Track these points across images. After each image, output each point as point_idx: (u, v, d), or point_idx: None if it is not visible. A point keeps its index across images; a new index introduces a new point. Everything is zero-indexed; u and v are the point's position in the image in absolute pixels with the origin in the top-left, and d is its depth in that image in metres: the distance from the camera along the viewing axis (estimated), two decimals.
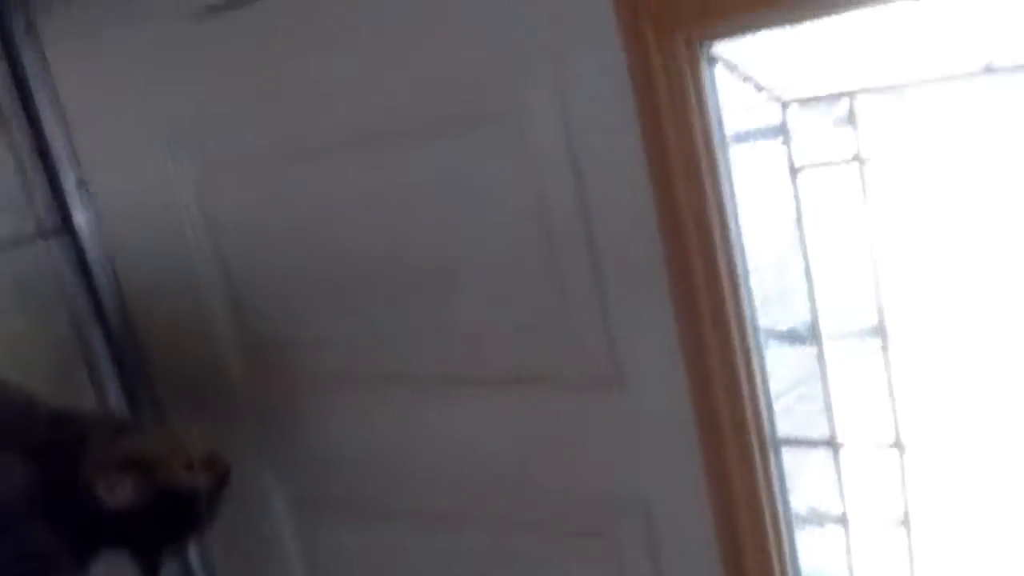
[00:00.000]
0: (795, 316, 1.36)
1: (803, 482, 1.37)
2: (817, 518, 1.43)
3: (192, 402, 1.83)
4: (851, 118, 1.17)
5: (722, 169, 1.22)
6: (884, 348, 1.28)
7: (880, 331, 1.28)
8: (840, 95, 1.16)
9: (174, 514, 1.33)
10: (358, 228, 1.51)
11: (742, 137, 1.25)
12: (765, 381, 1.31)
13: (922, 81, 1.11)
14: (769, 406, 1.32)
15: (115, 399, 1.88)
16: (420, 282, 1.47)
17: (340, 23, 1.40)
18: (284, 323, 1.68)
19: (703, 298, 1.27)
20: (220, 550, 1.95)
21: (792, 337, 1.39)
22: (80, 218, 1.84)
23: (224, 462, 1.35)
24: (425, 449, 1.57)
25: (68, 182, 1.83)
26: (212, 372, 1.78)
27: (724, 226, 1.25)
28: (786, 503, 1.34)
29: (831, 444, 1.36)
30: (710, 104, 1.19)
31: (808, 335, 1.37)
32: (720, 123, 1.21)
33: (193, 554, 1.97)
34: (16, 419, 1.51)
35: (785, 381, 1.36)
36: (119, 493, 1.29)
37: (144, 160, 1.71)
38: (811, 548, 1.37)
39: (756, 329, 1.31)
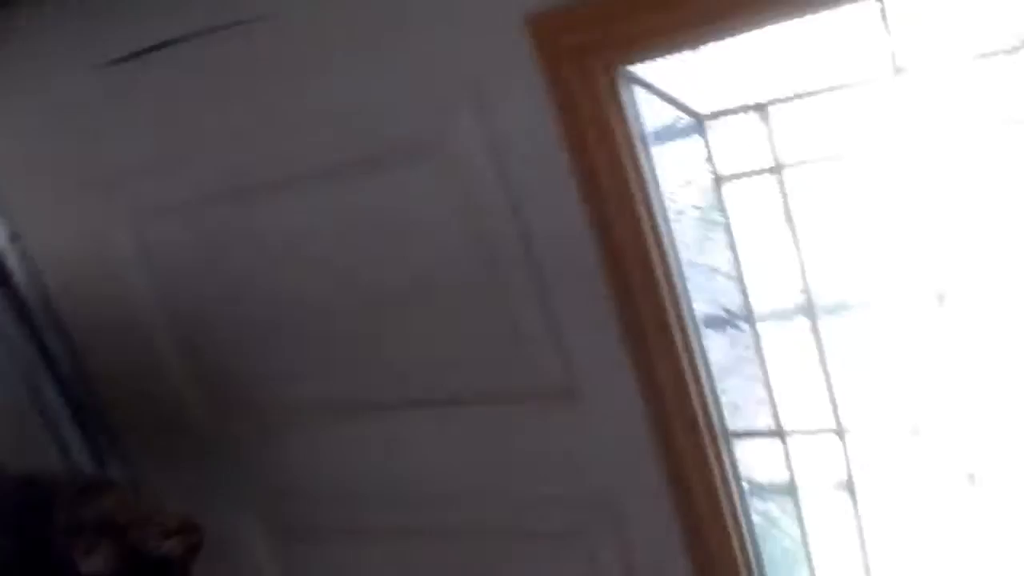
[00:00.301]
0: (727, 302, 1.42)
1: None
2: (770, 490, 1.51)
3: (155, 446, 1.85)
4: (766, 127, 1.22)
5: (649, 181, 1.27)
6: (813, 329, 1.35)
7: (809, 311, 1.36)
8: (754, 106, 1.21)
9: None
10: (301, 264, 1.52)
11: (665, 149, 1.30)
12: (710, 374, 1.38)
13: (832, 87, 1.16)
14: (716, 398, 1.39)
15: (77, 452, 1.87)
16: (370, 312, 1.49)
17: (255, 66, 1.41)
18: (239, 360, 1.69)
19: (642, 302, 1.32)
20: None
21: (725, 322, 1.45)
22: (17, 271, 1.82)
23: (197, 528, 1.36)
24: (394, 470, 1.61)
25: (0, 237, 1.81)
26: (172, 414, 1.79)
27: (656, 233, 1.30)
28: (740, 486, 1.42)
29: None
30: (631, 121, 1.24)
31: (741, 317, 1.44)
32: (643, 138, 1.25)
33: None
34: None
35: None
36: (94, 559, 1.30)
37: (77, 209, 1.70)
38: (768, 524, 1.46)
39: (696, 324, 1.37)
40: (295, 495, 1.75)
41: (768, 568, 1.45)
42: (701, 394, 1.37)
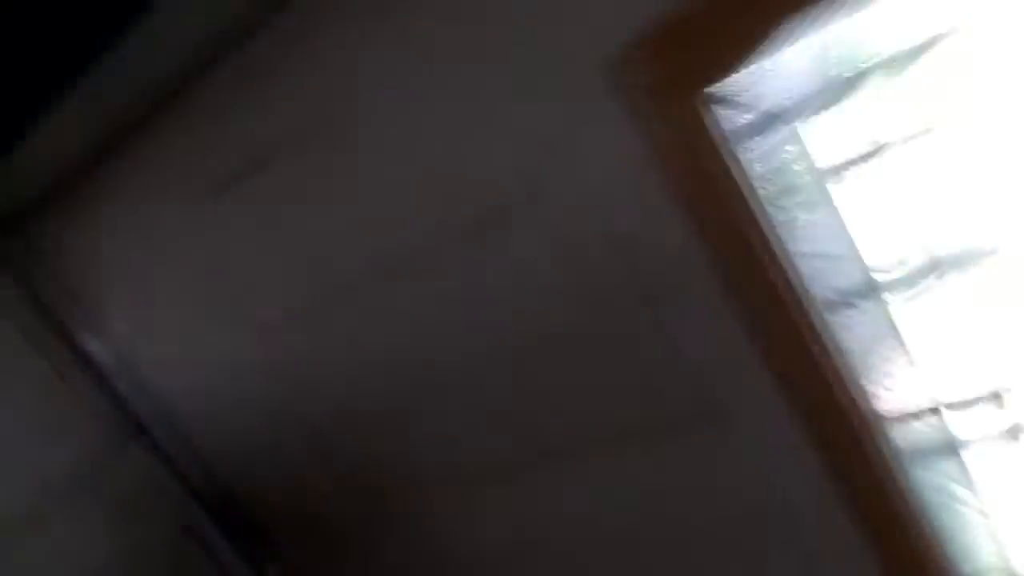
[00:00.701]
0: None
1: None
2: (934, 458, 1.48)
3: (311, 551, 1.90)
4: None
5: (745, 181, 1.27)
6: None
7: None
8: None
9: None
10: (422, 344, 1.56)
11: (757, 146, 1.30)
12: (850, 356, 1.36)
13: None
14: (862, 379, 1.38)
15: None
16: (490, 376, 1.52)
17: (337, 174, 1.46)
18: (376, 452, 1.73)
19: (770, 309, 1.32)
20: None
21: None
22: (151, 415, 1.90)
23: None
24: (553, 526, 1.62)
25: (126, 387, 1.90)
26: (320, 519, 1.84)
27: (765, 237, 1.30)
28: (903, 463, 1.40)
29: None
30: (721, 131, 1.25)
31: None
32: (735, 143, 1.26)
33: None
34: None
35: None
36: None
37: (203, 339, 1.77)
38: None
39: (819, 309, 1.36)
40: (457, 567, 1.78)
41: (949, 537, 1.43)
42: (848, 379, 1.36)
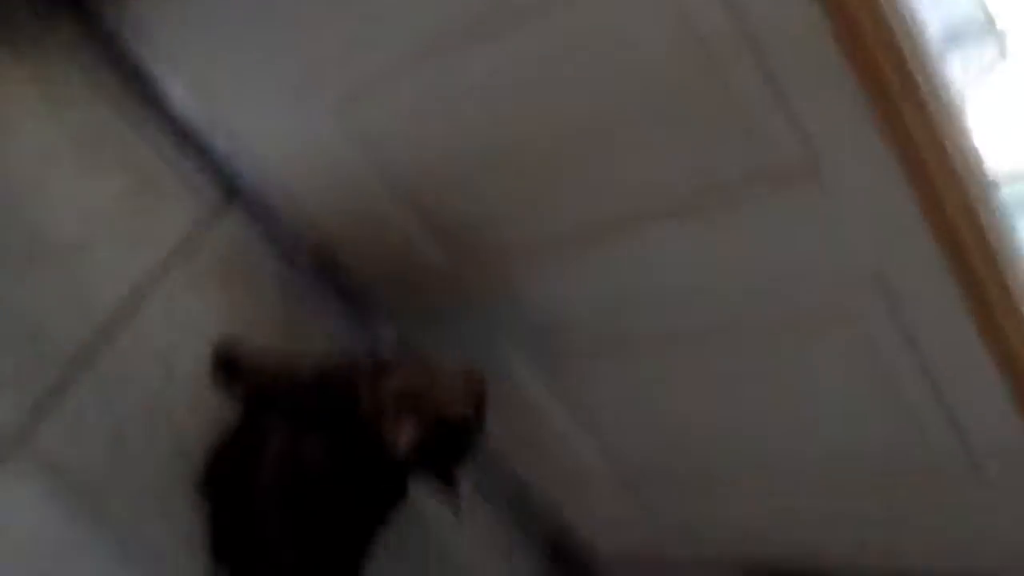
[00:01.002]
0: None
1: None
2: None
3: (415, 309, 1.96)
4: None
5: None
6: None
7: None
8: None
9: (451, 441, 1.42)
10: (515, 106, 1.51)
11: None
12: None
13: None
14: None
15: (345, 335, 2.02)
16: (596, 133, 1.46)
17: None
18: (473, 208, 1.72)
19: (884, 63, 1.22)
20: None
21: None
22: (246, 178, 1.91)
23: (481, 378, 1.44)
24: (647, 282, 1.63)
25: (221, 151, 1.89)
26: (421, 276, 1.88)
27: None
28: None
29: None
30: None
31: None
32: None
33: None
34: (290, 392, 1.64)
35: None
36: (404, 434, 1.38)
37: (289, 113, 1.74)
38: None
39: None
40: (554, 325, 1.82)
41: None
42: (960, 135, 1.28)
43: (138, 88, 1.83)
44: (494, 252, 1.77)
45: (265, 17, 1.61)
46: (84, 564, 1.60)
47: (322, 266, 1.98)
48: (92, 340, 1.67)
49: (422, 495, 1.60)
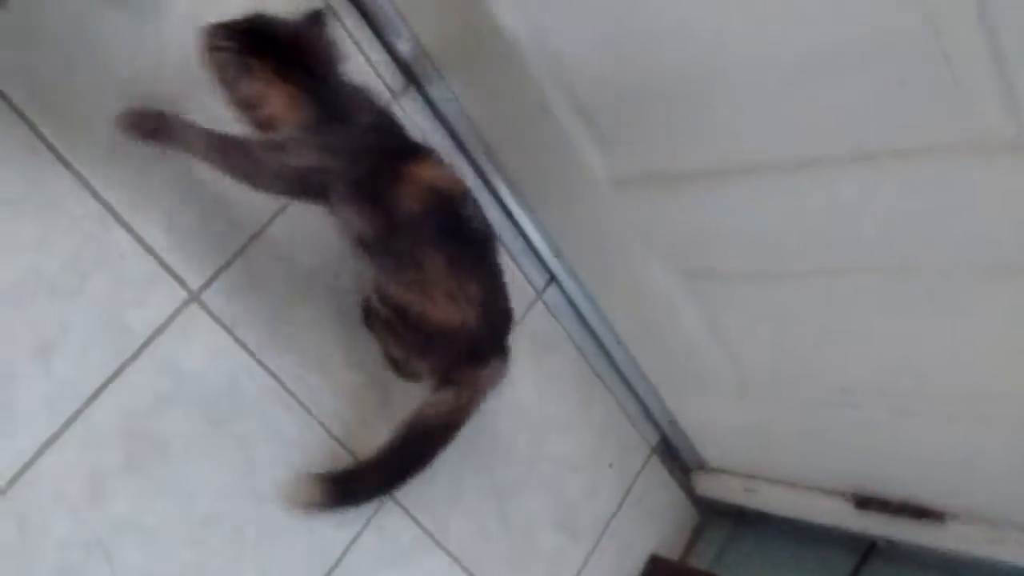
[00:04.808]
0: None
1: None
2: None
3: (568, 209, 2.05)
4: None
5: None
6: None
7: None
8: None
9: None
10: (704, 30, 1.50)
11: None
12: None
13: None
14: None
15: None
16: (786, 70, 1.45)
17: None
18: (637, 130, 1.76)
19: None
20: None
21: None
22: (420, 69, 2.00)
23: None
24: (808, 224, 1.67)
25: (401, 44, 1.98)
26: (574, 176, 1.95)
27: None
28: None
29: None
30: None
31: None
32: None
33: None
34: None
35: None
36: None
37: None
38: None
39: None
40: (703, 245, 1.89)
41: None
42: None
43: None
44: (657, 162, 1.80)
45: None
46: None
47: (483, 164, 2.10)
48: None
49: None
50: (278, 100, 1.44)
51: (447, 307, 1.58)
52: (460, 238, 1.59)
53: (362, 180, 1.51)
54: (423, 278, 1.57)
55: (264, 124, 1.46)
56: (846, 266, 1.71)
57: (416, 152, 1.61)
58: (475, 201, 1.66)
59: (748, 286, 1.91)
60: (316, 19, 1.52)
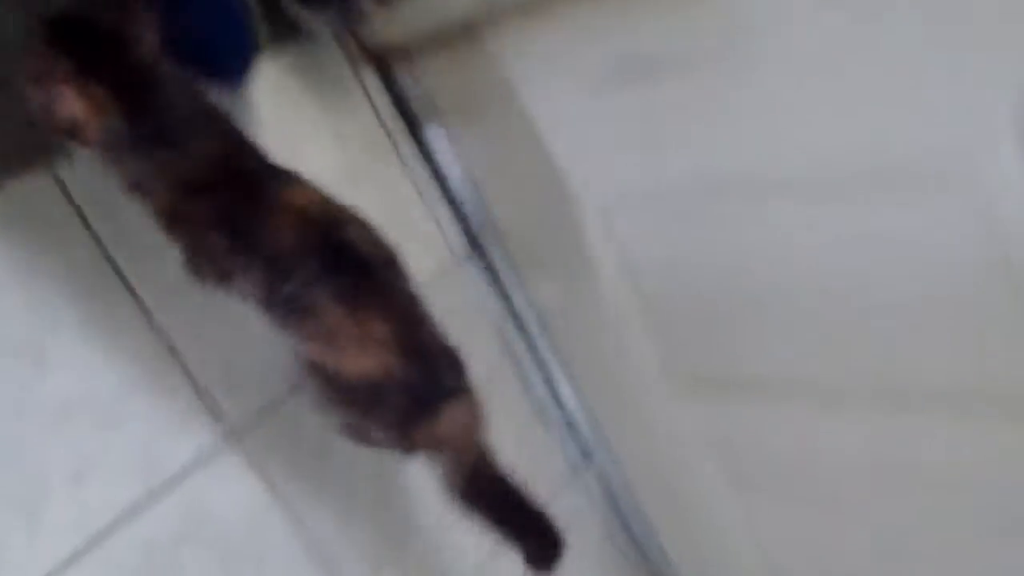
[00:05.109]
0: None
1: None
2: None
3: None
4: None
5: None
6: None
7: None
8: None
9: None
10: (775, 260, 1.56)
11: None
12: None
13: None
14: None
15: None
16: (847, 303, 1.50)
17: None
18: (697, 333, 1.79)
19: None
20: None
21: None
22: (487, 238, 2.03)
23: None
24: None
25: (470, 207, 2.02)
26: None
27: None
28: None
29: None
30: None
31: None
32: None
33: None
34: None
35: None
36: None
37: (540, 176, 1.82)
38: None
39: None
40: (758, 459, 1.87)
41: None
42: None
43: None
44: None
45: None
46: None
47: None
48: None
49: None
50: (78, 103, 1.14)
51: (358, 356, 1.29)
52: (345, 269, 1.27)
53: (220, 214, 1.25)
54: (321, 327, 1.28)
55: (65, 132, 1.18)
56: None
57: (278, 174, 1.31)
58: (361, 222, 1.34)
59: (798, 507, 1.88)
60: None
